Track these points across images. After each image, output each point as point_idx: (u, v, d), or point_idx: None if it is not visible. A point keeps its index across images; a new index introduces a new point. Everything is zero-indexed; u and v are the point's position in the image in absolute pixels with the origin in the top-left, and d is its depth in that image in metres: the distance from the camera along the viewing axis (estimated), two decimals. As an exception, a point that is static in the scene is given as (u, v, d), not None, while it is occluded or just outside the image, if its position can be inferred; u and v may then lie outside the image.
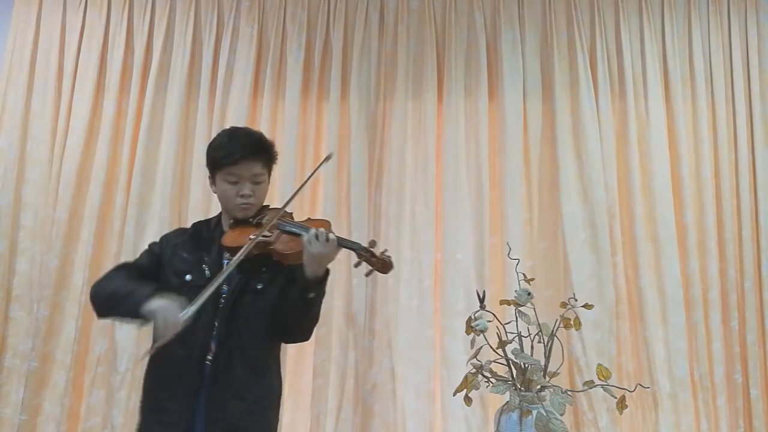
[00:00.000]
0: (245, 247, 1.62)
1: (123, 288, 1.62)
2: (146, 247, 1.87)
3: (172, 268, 1.73)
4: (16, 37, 3.18)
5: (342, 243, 1.62)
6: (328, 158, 1.94)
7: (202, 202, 2.97)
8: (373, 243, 1.62)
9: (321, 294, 1.65)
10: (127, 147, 3.05)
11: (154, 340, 1.54)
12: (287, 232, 1.69)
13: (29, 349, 2.91)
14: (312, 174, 1.94)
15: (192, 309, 1.51)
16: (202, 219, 1.95)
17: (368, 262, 1.60)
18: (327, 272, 1.64)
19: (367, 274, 1.63)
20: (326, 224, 1.71)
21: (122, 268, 1.77)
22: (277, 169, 2.92)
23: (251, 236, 1.64)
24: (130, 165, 3.03)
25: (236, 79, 3.09)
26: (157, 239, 1.86)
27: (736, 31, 3.10)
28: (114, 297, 1.62)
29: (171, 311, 1.49)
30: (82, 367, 2.91)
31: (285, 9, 3.16)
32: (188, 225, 1.96)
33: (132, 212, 2.96)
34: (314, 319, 1.72)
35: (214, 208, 2.77)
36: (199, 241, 1.78)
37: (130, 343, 2.85)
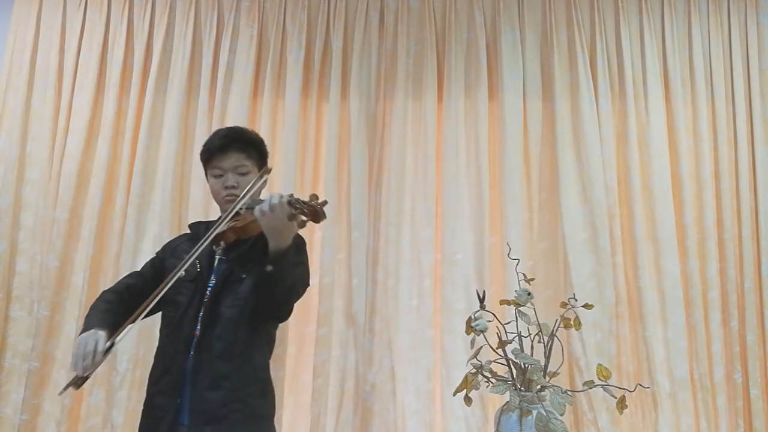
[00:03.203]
0: (214, 231, 1.64)
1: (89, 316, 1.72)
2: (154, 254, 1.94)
3: (169, 268, 1.75)
4: (16, 37, 3.17)
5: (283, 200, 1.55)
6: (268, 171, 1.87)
7: (202, 202, 2.97)
8: (314, 197, 1.58)
9: (284, 269, 1.57)
10: (127, 147, 3.05)
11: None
12: (249, 208, 1.68)
13: (29, 349, 2.91)
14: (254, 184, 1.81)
15: (123, 334, 1.56)
16: (202, 219, 1.97)
17: (302, 212, 1.55)
18: (290, 247, 1.58)
19: (300, 226, 1.56)
20: (275, 194, 1.66)
21: (106, 292, 1.82)
22: (277, 169, 2.94)
23: (226, 217, 1.67)
24: (130, 165, 3.03)
25: (236, 79, 3.09)
26: (158, 239, 1.90)
27: (736, 31, 3.10)
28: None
29: (88, 341, 1.54)
30: (82, 367, 2.91)
31: (285, 9, 3.16)
32: (188, 225, 1.99)
33: (132, 212, 2.96)
34: (282, 296, 1.64)
35: (214, 208, 2.78)
36: (196, 239, 1.80)
37: (130, 344, 2.85)
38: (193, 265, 1.71)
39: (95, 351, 1.52)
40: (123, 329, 1.56)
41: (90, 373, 1.53)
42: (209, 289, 1.71)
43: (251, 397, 1.69)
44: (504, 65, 3.07)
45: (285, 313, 1.72)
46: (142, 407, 1.75)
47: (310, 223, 1.60)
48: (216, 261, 1.76)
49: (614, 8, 3.14)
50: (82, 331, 1.62)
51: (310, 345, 2.89)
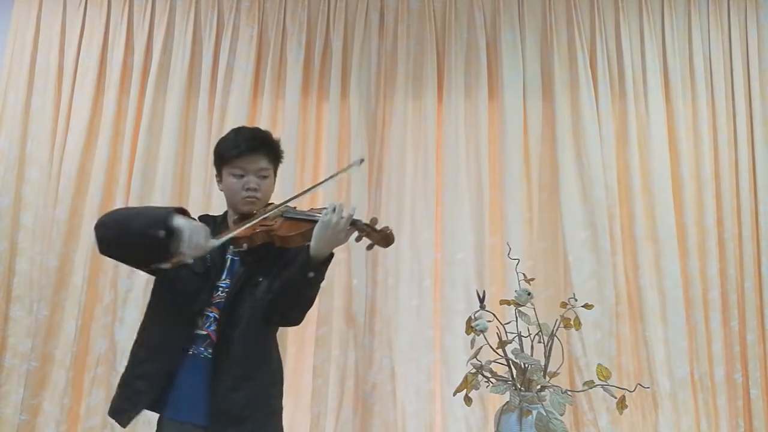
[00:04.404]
0: (252, 221, 1.63)
1: (140, 207, 1.64)
2: None
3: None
4: (16, 37, 3.18)
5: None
6: (361, 161, 1.97)
7: (202, 203, 2.97)
8: (374, 220, 1.61)
9: (320, 276, 1.62)
10: (127, 147, 3.05)
11: (171, 256, 1.48)
12: (290, 218, 1.70)
13: (29, 349, 2.91)
14: (334, 176, 1.96)
15: (223, 239, 1.55)
16: (206, 213, 1.95)
17: (369, 236, 1.60)
18: (331, 256, 1.62)
19: (368, 248, 1.63)
20: (340, 203, 1.71)
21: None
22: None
23: (256, 219, 1.66)
24: (130, 165, 3.03)
25: (236, 79, 3.09)
26: None
27: (736, 31, 3.11)
28: (130, 214, 1.64)
29: (200, 230, 1.50)
30: (81, 367, 2.91)
31: (285, 9, 3.16)
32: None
33: (132, 212, 2.96)
34: (307, 302, 1.68)
35: (214, 208, 2.79)
36: None
37: (130, 344, 2.82)
38: (204, 259, 1.69)
39: (206, 245, 1.50)
40: (225, 235, 1.56)
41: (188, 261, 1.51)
42: (221, 289, 1.69)
43: (272, 397, 1.72)
44: (504, 65, 3.07)
45: (302, 318, 1.73)
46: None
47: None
48: (228, 261, 1.73)
49: (614, 8, 3.14)
50: (168, 215, 1.51)
51: (310, 345, 2.89)
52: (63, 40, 3.17)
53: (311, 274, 1.58)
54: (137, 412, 1.63)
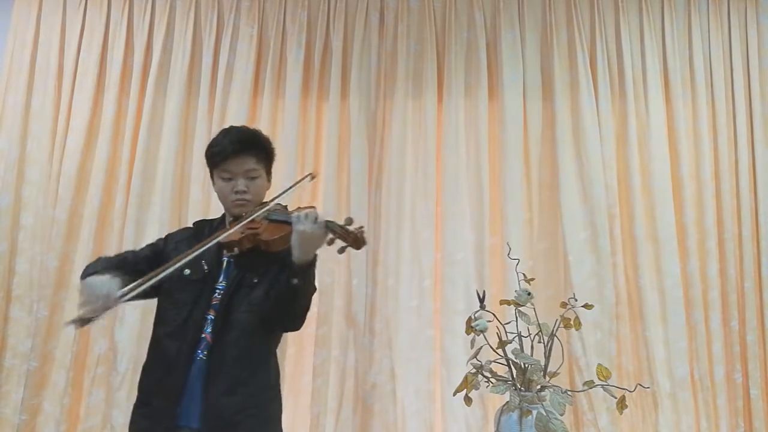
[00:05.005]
0: (225, 233, 1.62)
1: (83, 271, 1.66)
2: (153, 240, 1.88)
3: (167, 260, 1.69)
4: (16, 37, 3.18)
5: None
6: (311, 177, 1.97)
7: (202, 203, 2.97)
8: (349, 221, 1.59)
9: (307, 281, 1.61)
10: (127, 147, 3.05)
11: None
12: (273, 220, 1.69)
13: (29, 349, 2.91)
14: (291, 187, 1.93)
15: (137, 290, 1.49)
16: (203, 218, 1.95)
17: (342, 238, 1.58)
18: (314, 258, 1.61)
19: (340, 251, 1.59)
20: (313, 210, 1.69)
21: (101, 258, 1.77)
22: (277, 169, 2.94)
23: (230, 230, 1.65)
24: (130, 165, 3.03)
25: (236, 79, 3.09)
26: (159, 238, 1.87)
27: (736, 31, 3.11)
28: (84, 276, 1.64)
29: (102, 285, 1.47)
30: (81, 367, 2.91)
31: (285, 9, 3.16)
32: (188, 225, 1.97)
33: (132, 212, 2.96)
34: (302, 308, 1.67)
35: (214, 209, 2.79)
36: (200, 238, 1.76)
37: (130, 344, 2.86)
38: (200, 265, 1.69)
39: (107, 296, 1.46)
40: (137, 285, 1.50)
41: (95, 317, 1.48)
42: (218, 291, 1.68)
43: (267, 402, 1.69)
44: (504, 65, 3.07)
45: (301, 323, 1.71)
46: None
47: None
48: (224, 263, 1.73)
49: (614, 8, 3.14)
50: (87, 274, 1.58)
51: (310, 345, 2.89)
52: (63, 40, 3.17)
53: (295, 281, 1.56)
54: (163, 426, 1.60)
